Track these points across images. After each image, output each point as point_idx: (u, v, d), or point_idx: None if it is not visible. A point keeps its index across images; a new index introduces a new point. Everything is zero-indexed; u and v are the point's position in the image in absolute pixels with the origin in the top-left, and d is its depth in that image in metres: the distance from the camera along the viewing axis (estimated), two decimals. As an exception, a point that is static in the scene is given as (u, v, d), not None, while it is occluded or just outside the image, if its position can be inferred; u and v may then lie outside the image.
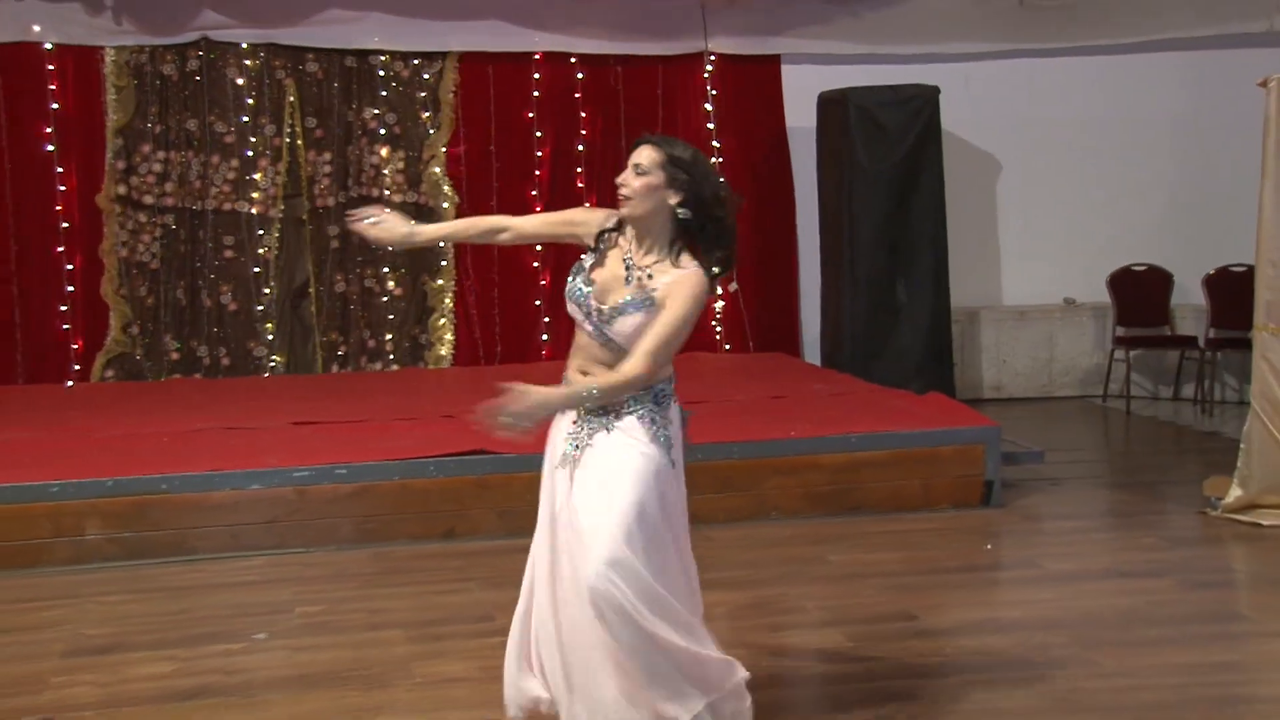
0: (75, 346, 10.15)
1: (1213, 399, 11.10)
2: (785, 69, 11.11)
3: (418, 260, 10.57)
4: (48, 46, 10.00)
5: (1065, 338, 11.58)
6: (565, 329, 10.61)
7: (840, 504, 7.59)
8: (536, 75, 10.72)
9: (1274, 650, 5.66)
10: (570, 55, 10.73)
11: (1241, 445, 7.58)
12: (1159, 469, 9.09)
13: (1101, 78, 11.49)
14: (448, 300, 10.64)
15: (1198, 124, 11.37)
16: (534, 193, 10.77)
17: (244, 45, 10.23)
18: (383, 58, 10.48)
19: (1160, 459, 9.46)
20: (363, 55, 10.44)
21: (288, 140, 10.34)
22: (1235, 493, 7.52)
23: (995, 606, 6.20)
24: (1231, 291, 10.67)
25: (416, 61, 10.52)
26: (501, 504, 7.20)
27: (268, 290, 10.34)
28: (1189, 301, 11.28)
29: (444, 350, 10.64)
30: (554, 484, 4.26)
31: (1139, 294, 11.23)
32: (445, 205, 10.57)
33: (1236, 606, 6.28)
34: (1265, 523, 7.32)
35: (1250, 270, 7.90)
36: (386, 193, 10.48)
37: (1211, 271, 10.97)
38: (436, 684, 5.17)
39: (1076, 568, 6.72)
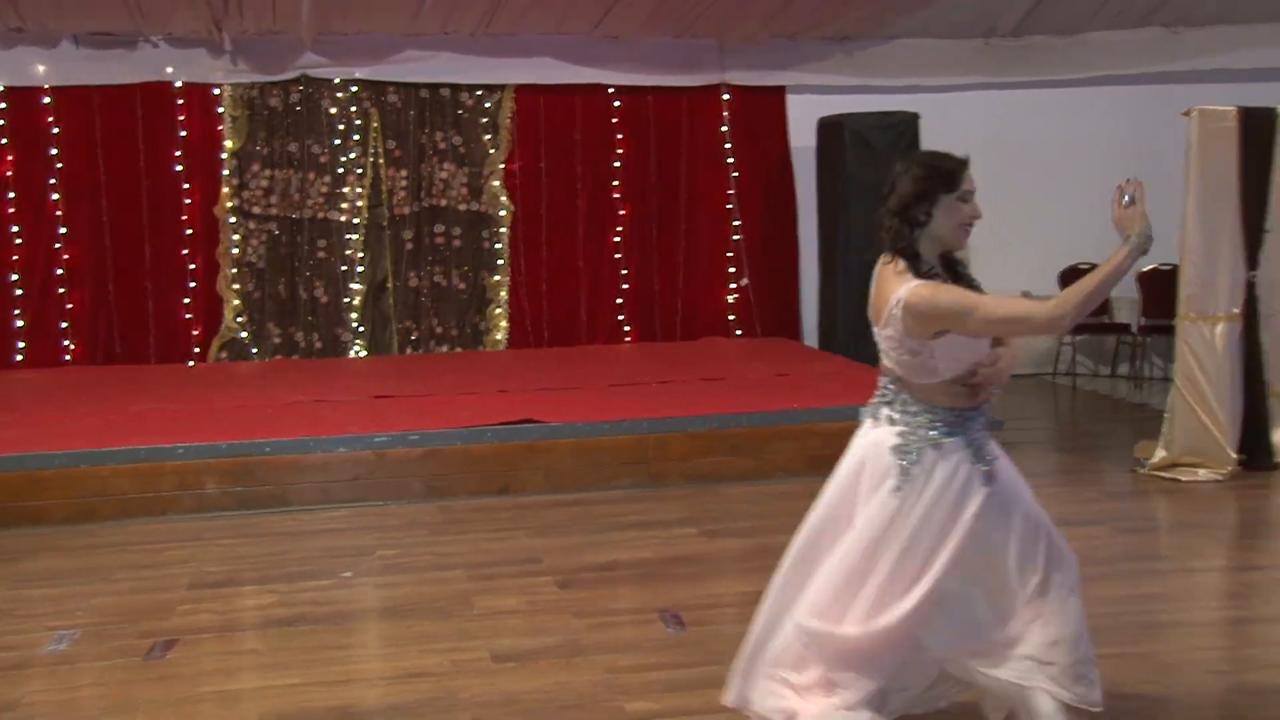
0: (195, 333, 10.28)
1: (1143, 376, 11.10)
2: (790, 98, 11.06)
3: (478, 258, 10.60)
4: (178, 84, 10.10)
5: (1024, 325, 11.49)
6: (604, 317, 10.76)
7: (833, 466, 7.56)
8: (580, 104, 10.71)
9: (1189, 583, 5.71)
10: (609, 87, 10.71)
11: (1166, 414, 7.65)
12: (1098, 435, 9.10)
13: (1054, 106, 11.43)
14: (503, 293, 10.66)
15: (1134, 146, 11.22)
16: (577, 203, 10.77)
17: (336, 81, 10.27)
18: (450, 90, 10.48)
19: (1099, 426, 9.47)
20: (434, 88, 10.45)
21: (371, 159, 10.38)
22: (1160, 454, 7.56)
23: (962, 551, 6.19)
24: (1159, 286, 10.59)
25: (479, 93, 10.53)
26: (547, 465, 7.30)
27: (354, 285, 10.40)
28: (1125, 295, 11.17)
29: (499, 336, 10.66)
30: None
31: (1086, 288, 11.16)
32: (503, 212, 10.60)
33: (1159, 548, 6.34)
34: (1184, 479, 7.38)
35: (1175, 269, 7.86)
36: (453, 202, 10.52)
37: (1144, 268, 10.90)
38: (492, 615, 5.23)
39: (1032, 518, 6.74)
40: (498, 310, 10.66)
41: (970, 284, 3.48)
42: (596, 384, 8.52)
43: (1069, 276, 11.09)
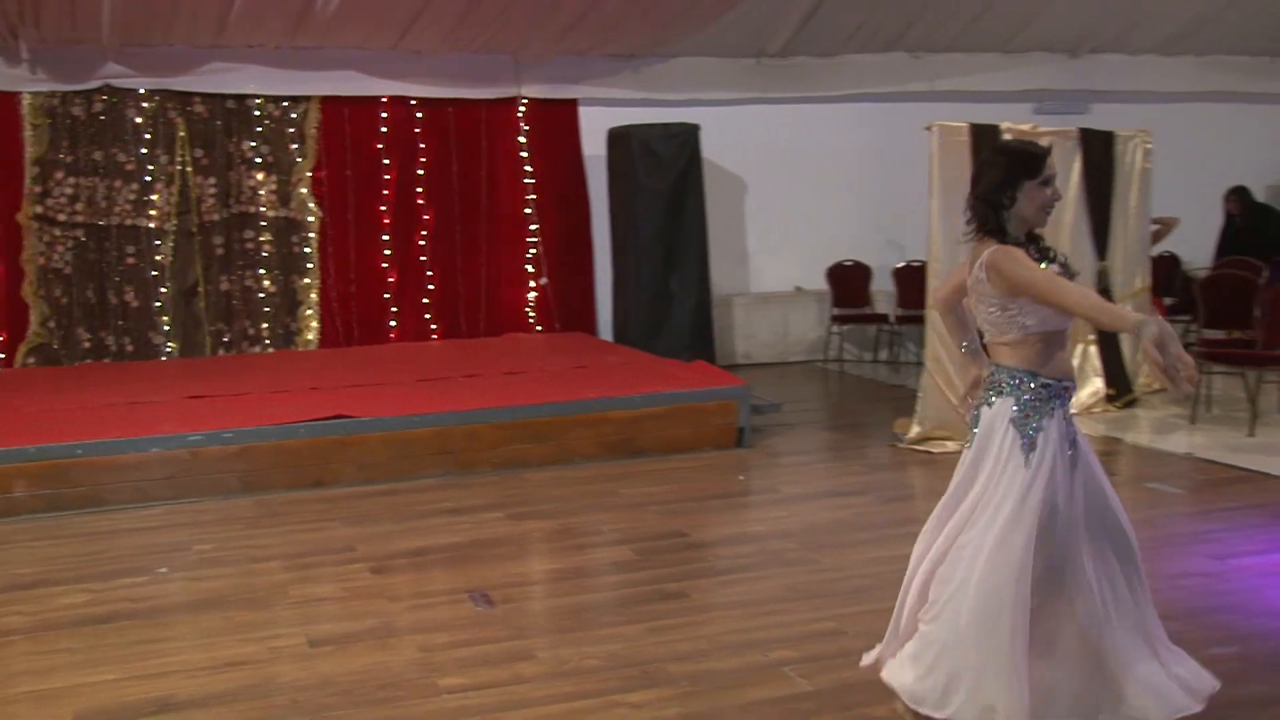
0: (1, 338, 9.65)
1: (900, 360, 11.49)
2: (582, 110, 11.05)
3: (288, 262, 10.30)
4: (-25, 93, 9.45)
5: (796, 316, 11.81)
6: (411, 316, 10.60)
7: (627, 449, 7.65)
8: (384, 115, 10.50)
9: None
10: (410, 99, 10.53)
11: (919, 394, 7.93)
12: (862, 414, 9.35)
13: (817, 119, 11.71)
14: (313, 295, 10.37)
15: (886, 155, 11.66)
16: (382, 208, 10.56)
17: (142, 91, 9.78)
18: (257, 101, 10.14)
19: (863, 406, 9.73)
20: (241, 98, 10.08)
21: (179, 167, 9.93)
22: (915, 429, 7.86)
23: (746, 523, 6.35)
24: (912, 281, 11.03)
25: (285, 104, 10.21)
26: (359, 458, 7.13)
27: (164, 290, 9.93)
28: (883, 288, 11.61)
29: (311, 336, 10.37)
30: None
31: (848, 283, 11.53)
32: (311, 218, 10.31)
33: (915, 513, 6.36)
34: (935, 450, 7.69)
35: (924, 265, 8.17)
36: (262, 209, 10.19)
37: (898, 265, 11.33)
38: (308, 602, 5.11)
39: (805, 490, 6.95)
40: (308, 311, 10.36)
41: (1050, 257, 3.49)
42: (405, 380, 8.37)
43: (835, 271, 11.47)
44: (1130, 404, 8.95)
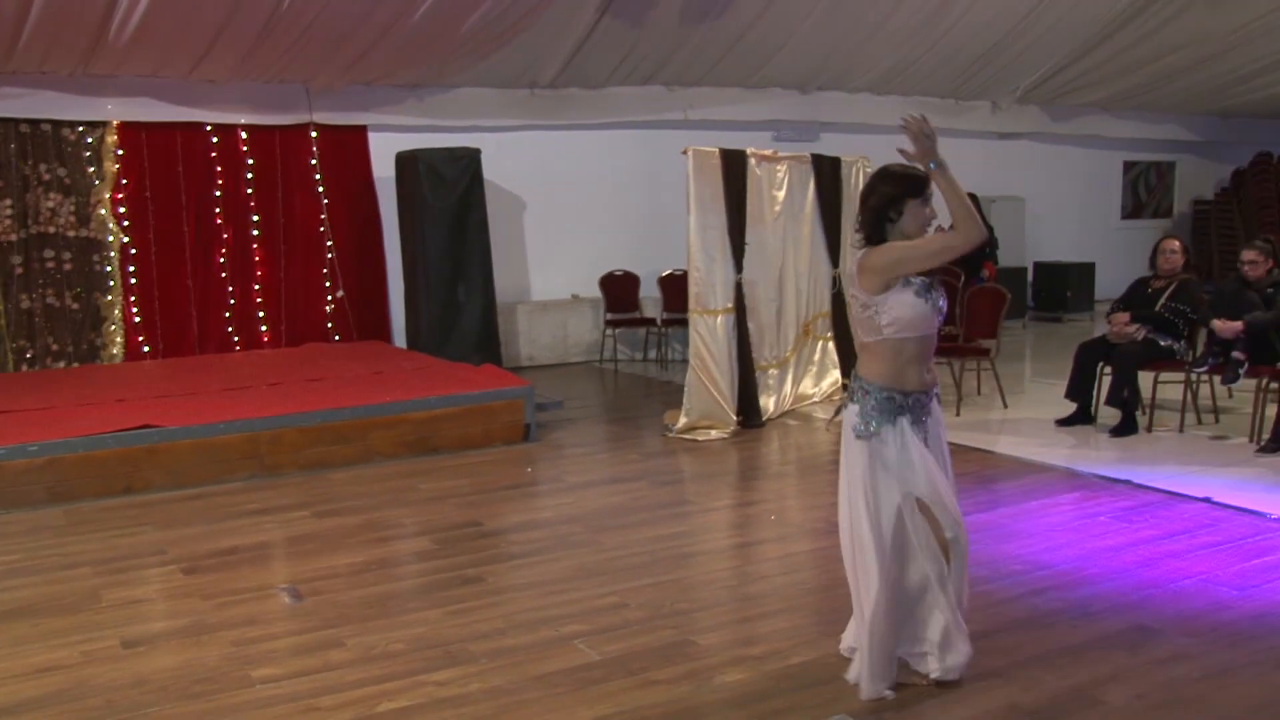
0: None
1: (667, 359, 11.65)
2: (371, 135, 10.77)
3: (90, 280, 9.63)
4: None
5: (574, 321, 11.85)
6: (214, 330, 10.12)
7: (424, 447, 7.52)
8: (180, 139, 9.95)
9: (708, 520, 6.05)
10: (206, 124, 10.02)
11: (685, 388, 8.04)
12: (635, 408, 9.42)
13: (586, 144, 11.78)
14: (116, 311, 9.72)
15: (648, 176, 11.87)
16: (183, 228, 10.01)
17: (-72, 114, 8.97)
18: (52, 125, 9.44)
19: (636, 401, 9.80)
20: (35, 123, 9.36)
21: (-27, 190, 9.16)
22: (682, 420, 7.98)
23: (535, 510, 6.31)
24: (675, 287, 11.23)
25: (81, 128, 9.54)
26: (168, 464, 6.74)
27: (-37, 308, 9.16)
28: (650, 294, 11.78)
29: (115, 350, 9.72)
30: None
31: (619, 290, 11.65)
32: (111, 239, 9.67)
33: (685, 495, 6.62)
34: (700, 438, 7.83)
35: (685, 274, 8.29)
36: (61, 229, 9.50)
37: (663, 274, 11.53)
38: (121, 605, 4.80)
39: (587, 479, 6.94)
40: (112, 327, 9.71)
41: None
42: (211, 389, 7.97)
43: (607, 281, 11.57)
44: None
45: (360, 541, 5.66)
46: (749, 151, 8.27)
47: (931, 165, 3.46)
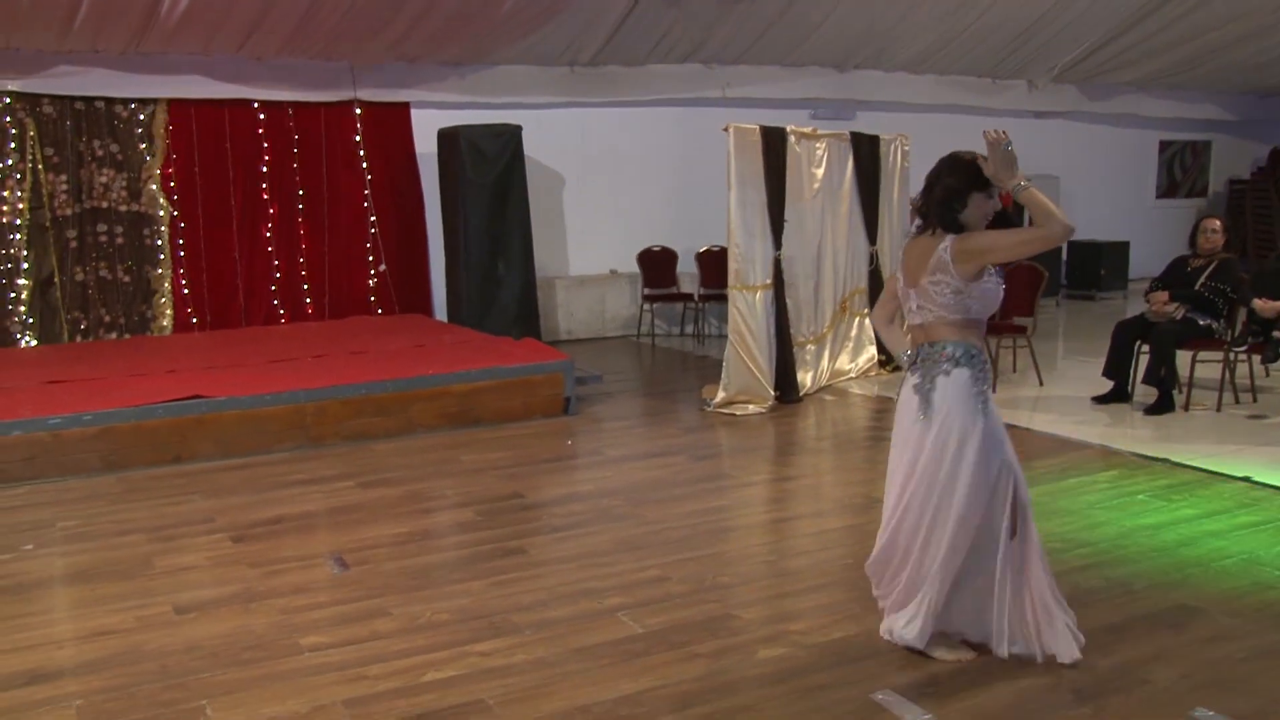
0: None
1: (704, 334, 11.56)
2: (414, 112, 10.71)
3: (141, 254, 9.67)
4: None
5: (612, 296, 11.79)
6: (260, 303, 10.15)
7: (466, 419, 7.49)
8: (228, 116, 9.94)
9: (746, 494, 5.99)
10: (254, 101, 10.00)
11: (724, 363, 7.95)
12: (673, 382, 9.34)
13: (626, 121, 11.70)
14: (166, 284, 9.77)
15: (685, 153, 11.77)
16: (230, 203, 10.02)
17: (-10, 92, 9.00)
18: (105, 103, 9.45)
19: (674, 375, 9.73)
20: (89, 100, 9.38)
21: (30, 165, 9.17)
22: (720, 395, 7.89)
23: (576, 483, 6.26)
24: (712, 263, 11.16)
25: (133, 105, 9.55)
26: (216, 434, 6.75)
27: (20, 281, 9.19)
28: (687, 270, 11.68)
29: (165, 322, 9.77)
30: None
31: (657, 265, 11.56)
32: (161, 213, 9.70)
33: (723, 469, 6.56)
34: (738, 413, 7.74)
35: (723, 250, 8.20)
36: (114, 204, 9.53)
37: (700, 250, 11.42)
38: (172, 572, 4.80)
39: (626, 452, 6.88)
40: (162, 300, 9.75)
41: None
42: (257, 361, 7.98)
43: (645, 257, 11.48)
44: (898, 368, 9.24)
45: (404, 512, 5.64)
46: (789, 129, 8.13)
47: (1018, 188, 3.37)
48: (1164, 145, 15.94)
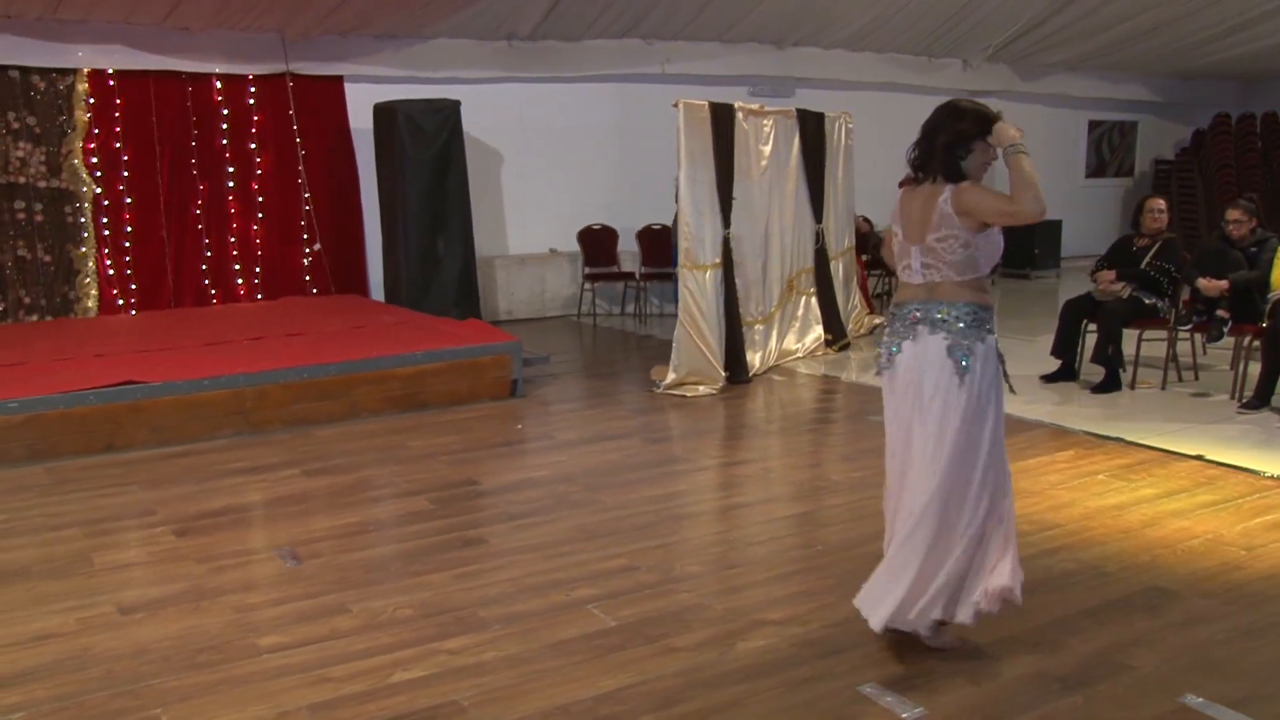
0: None
1: (646, 313, 11.45)
2: (348, 86, 10.39)
3: (62, 232, 9.23)
4: None
5: (552, 275, 11.60)
6: (190, 283, 9.75)
7: (411, 403, 7.28)
8: (153, 88, 9.51)
9: (704, 479, 5.89)
10: (181, 73, 9.58)
11: (674, 344, 7.80)
12: (618, 363, 9.23)
13: (565, 97, 11.50)
14: (90, 264, 9.34)
15: (627, 130, 11.62)
16: (156, 179, 9.61)
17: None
18: (20, 72, 8.96)
19: (618, 356, 9.60)
20: (3, 69, 8.89)
21: (-60, 137, 8.70)
22: (670, 376, 7.76)
23: (530, 469, 6.07)
24: (654, 241, 11.05)
25: (52, 75, 9.08)
26: (152, 421, 6.44)
27: (-68, 261, 8.74)
28: (628, 248, 11.55)
29: (90, 304, 9.35)
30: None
31: (598, 244, 11.40)
32: (84, 189, 9.26)
33: (678, 452, 6.44)
34: (689, 394, 7.62)
35: (664, 228, 8.04)
36: (32, 180, 9.06)
37: (641, 228, 11.28)
38: (114, 569, 4.54)
39: (578, 435, 6.72)
40: (86, 280, 9.33)
41: None
42: (190, 344, 7.65)
43: (585, 235, 11.30)
44: (845, 348, 9.23)
45: (355, 501, 5.43)
46: (737, 105, 8.01)
47: (1012, 147, 3.31)
48: (1093, 125, 16.18)
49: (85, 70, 9.18)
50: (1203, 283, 7.19)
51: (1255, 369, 6.97)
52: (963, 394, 3.38)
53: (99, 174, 9.32)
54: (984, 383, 3.41)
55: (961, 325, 3.39)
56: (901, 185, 3.67)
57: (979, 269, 3.42)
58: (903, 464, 3.54)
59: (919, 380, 3.44)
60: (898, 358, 3.52)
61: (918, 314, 3.47)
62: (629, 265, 11.46)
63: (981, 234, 3.39)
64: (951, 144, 3.41)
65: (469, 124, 10.36)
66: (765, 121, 8.41)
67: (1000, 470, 3.49)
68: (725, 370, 7.83)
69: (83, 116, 9.21)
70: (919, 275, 3.49)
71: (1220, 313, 7.17)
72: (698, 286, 7.70)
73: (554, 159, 11.47)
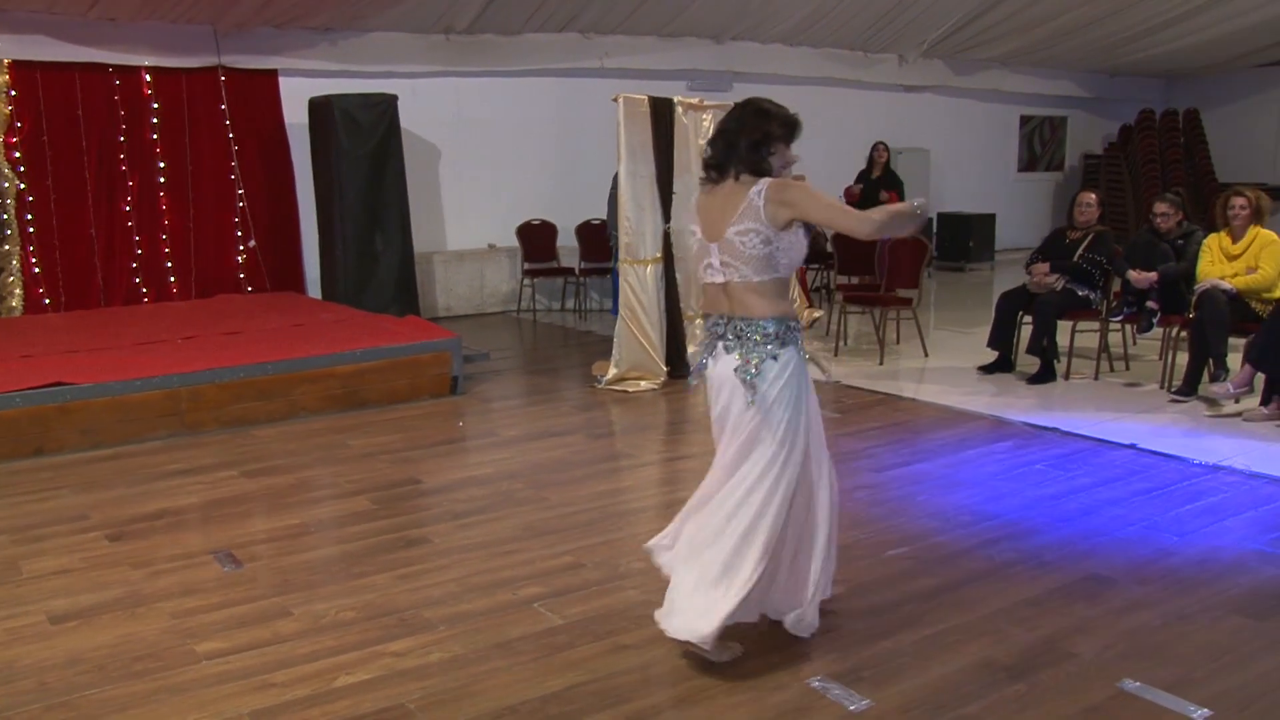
0: None
1: (585, 309, 11.41)
2: (282, 80, 10.18)
3: (-15, 229, 8.96)
4: None
5: (490, 271, 11.51)
6: (120, 281, 9.49)
7: (351, 401, 7.17)
8: (80, 80, 9.25)
9: (647, 474, 5.87)
10: (108, 65, 9.32)
11: (615, 339, 7.78)
12: (559, 358, 9.17)
13: (504, 91, 11.40)
14: (15, 261, 9.06)
15: (566, 125, 11.57)
16: (84, 174, 9.35)
17: None
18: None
19: (559, 351, 9.53)
20: (-81, 61, 8.61)
21: None
22: (612, 371, 7.74)
23: (473, 466, 6.00)
24: (593, 236, 11.00)
25: (-29, 67, 8.81)
26: (82, 423, 6.26)
27: None
28: (568, 244, 11.48)
29: (15, 303, 9.06)
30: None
31: (537, 239, 11.32)
32: (6, 185, 8.96)
33: (621, 448, 6.43)
34: (631, 390, 7.60)
35: (603, 223, 7.99)
36: (-48, 175, 8.79)
37: (580, 223, 11.23)
38: (43, 576, 4.40)
39: (521, 432, 6.67)
40: (10, 279, 9.04)
41: None
42: (122, 344, 7.45)
43: (524, 231, 11.23)
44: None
45: (294, 502, 5.34)
46: (676, 100, 8.00)
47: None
48: (1024, 120, 16.44)
49: (5, 61, 8.89)
50: (1133, 275, 7.34)
51: (1184, 359, 7.13)
52: (750, 411, 3.37)
53: (21, 169, 9.04)
54: (777, 398, 3.35)
55: (755, 340, 3.36)
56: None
57: (778, 269, 3.36)
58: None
59: (719, 396, 3.48)
60: (706, 372, 3.53)
61: (718, 329, 3.48)
62: (568, 260, 11.40)
63: (785, 232, 3.33)
64: (758, 143, 3.37)
65: (406, 118, 10.23)
66: (704, 115, 8.39)
67: (806, 479, 3.48)
68: (666, 365, 7.83)
69: (3, 109, 8.92)
70: (719, 274, 3.43)
71: (1150, 304, 7.32)
72: (638, 281, 7.69)
73: (492, 154, 11.38)
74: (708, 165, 3.48)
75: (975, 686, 3.31)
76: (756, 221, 3.30)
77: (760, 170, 3.37)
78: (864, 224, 3.28)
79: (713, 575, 3.40)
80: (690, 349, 8.15)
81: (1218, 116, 16.58)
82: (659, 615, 3.54)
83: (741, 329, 3.40)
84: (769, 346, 3.36)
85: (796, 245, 3.37)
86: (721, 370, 3.45)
